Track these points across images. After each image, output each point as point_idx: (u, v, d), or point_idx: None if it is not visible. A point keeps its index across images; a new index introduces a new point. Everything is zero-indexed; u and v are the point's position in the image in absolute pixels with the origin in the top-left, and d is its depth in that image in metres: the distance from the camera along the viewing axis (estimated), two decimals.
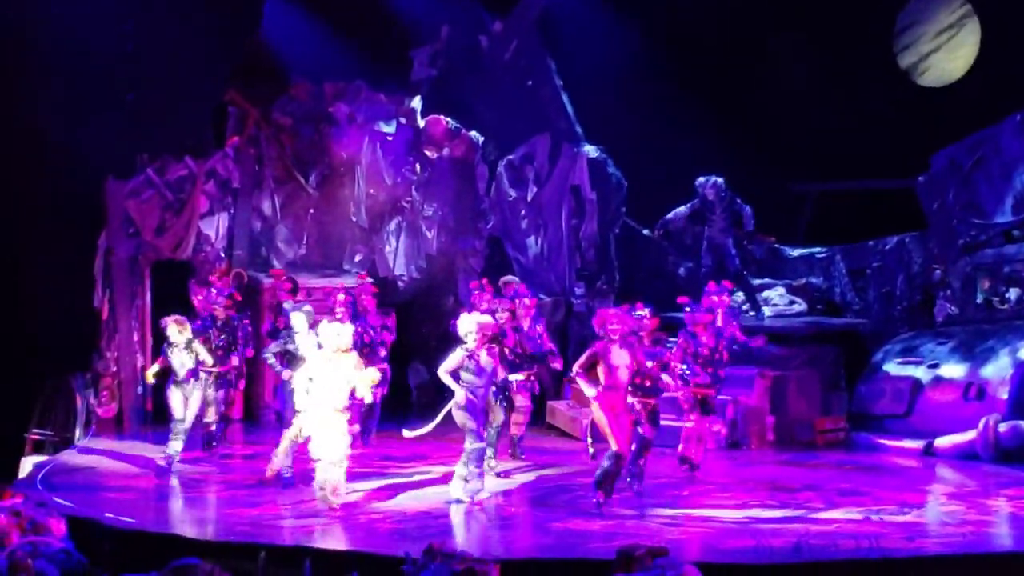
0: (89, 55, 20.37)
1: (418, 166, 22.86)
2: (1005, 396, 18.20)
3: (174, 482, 16.48)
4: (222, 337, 17.97)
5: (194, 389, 16.69)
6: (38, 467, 17.41)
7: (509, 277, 20.49)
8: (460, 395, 14.56)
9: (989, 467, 17.53)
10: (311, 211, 22.90)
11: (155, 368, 16.93)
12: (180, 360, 16.60)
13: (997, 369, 18.50)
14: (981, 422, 17.94)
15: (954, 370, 18.95)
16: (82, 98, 20.27)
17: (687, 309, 17.14)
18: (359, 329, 17.11)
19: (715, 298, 17.67)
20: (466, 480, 14.83)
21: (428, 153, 22.84)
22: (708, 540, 13.44)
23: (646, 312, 15.90)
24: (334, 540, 13.58)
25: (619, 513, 14.65)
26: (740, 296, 21.37)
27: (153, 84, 20.88)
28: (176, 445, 16.60)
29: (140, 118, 20.97)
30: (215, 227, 21.79)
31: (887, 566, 12.55)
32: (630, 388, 14.71)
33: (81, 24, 20.40)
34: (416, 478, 16.41)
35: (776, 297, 21.80)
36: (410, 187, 22.82)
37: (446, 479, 15.39)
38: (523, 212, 22.68)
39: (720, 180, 20.67)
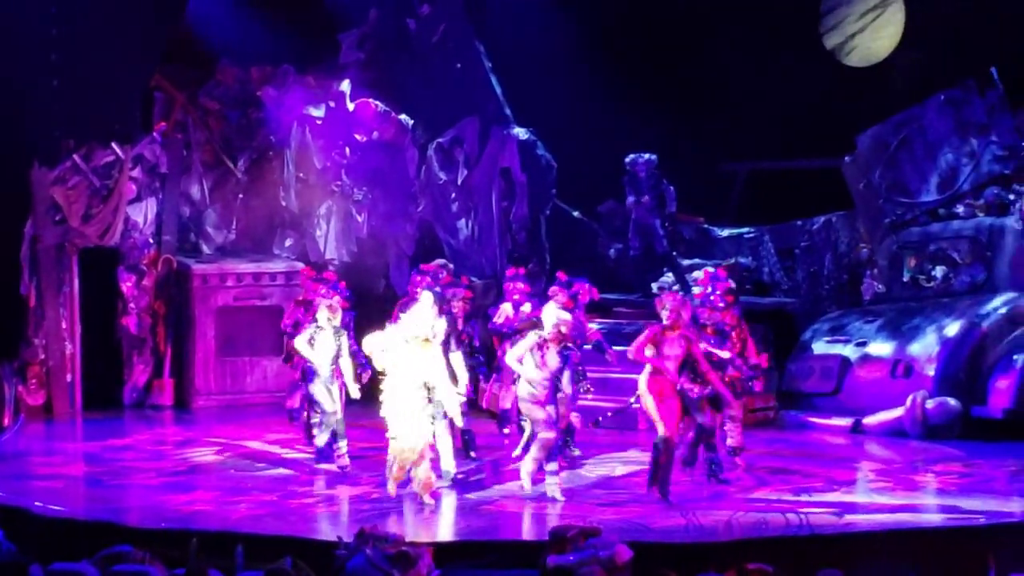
0: (12, 40, 20.17)
1: (347, 150, 22.77)
2: (932, 373, 18.40)
3: (104, 469, 16.40)
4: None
5: (334, 381, 15.96)
6: None
7: (441, 261, 20.49)
8: (520, 385, 14.37)
9: (917, 443, 17.72)
10: (240, 196, 22.76)
11: (304, 340, 15.95)
12: (324, 344, 15.91)
13: (924, 346, 18.69)
14: (909, 399, 18.12)
15: (882, 348, 19.12)
16: (6, 84, 20.07)
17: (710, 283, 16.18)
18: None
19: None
20: (548, 472, 14.42)
21: (357, 137, 22.75)
22: (640, 519, 13.51)
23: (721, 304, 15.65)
24: (266, 525, 13.56)
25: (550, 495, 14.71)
26: (670, 277, 21.45)
27: (78, 69, 20.69)
28: (324, 437, 15.98)
29: (66, 104, 20.78)
30: (143, 213, 21.62)
31: (817, 543, 12.67)
32: (687, 374, 14.46)
33: (4, 8, 20.19)
34: (345, 461, 16.36)
35: None
36: (340, 171, 22.73)
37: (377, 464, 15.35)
38: (453, 195, 22.64)
39: (653, 157, 20.71)
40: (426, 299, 14.95)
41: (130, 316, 21.31)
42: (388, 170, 22.79)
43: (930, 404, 18.02)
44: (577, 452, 16.65)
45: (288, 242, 22.78)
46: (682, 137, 21.40)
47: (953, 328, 18.61)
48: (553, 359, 14.28)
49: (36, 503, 14.09)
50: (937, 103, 20.14)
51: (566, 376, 14.68)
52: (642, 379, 14.20)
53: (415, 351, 14.24)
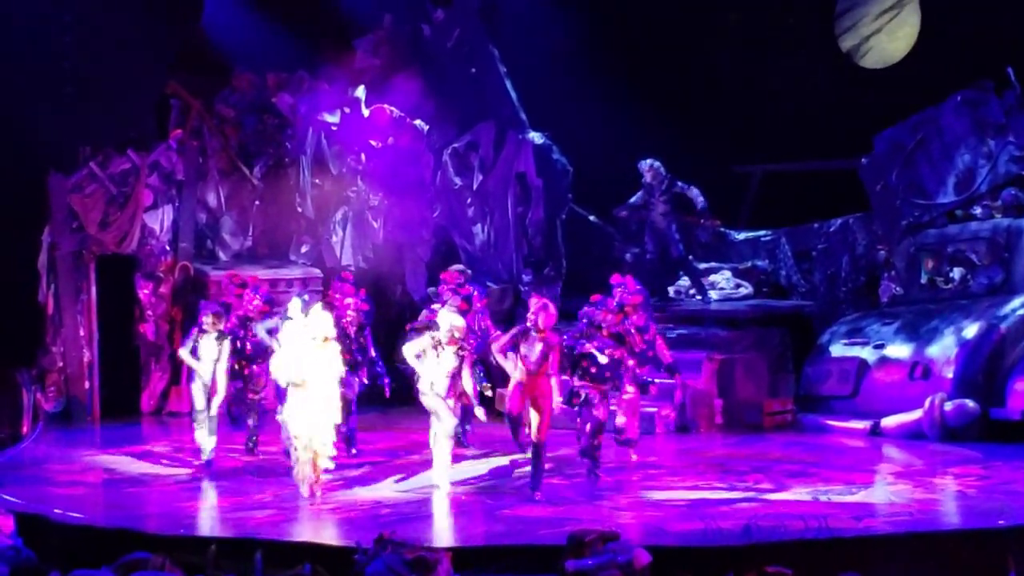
0: (28, 48, 20.23)
1: (363, 155, 22.80)
2: (950, 375, 18.33)
3: (123, 476, 16.42)
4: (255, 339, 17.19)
5: (220, 381, 16.22)
6: None
7: (459, 267, 20.48)
8: (422, 381, 15.00)
9: (935, 446, 17.67)
10: (256, 202, 22.82)
11: (186, 350, 16.35)
12: (207, 348, 16.22)
13: (942, 348, 18.63)
14: (927, 401, 18.07)
15: (900, 350, 19.07)
16: (22, 92, 20.13)
17: (617, 288, 16.69)
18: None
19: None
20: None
21: (373, 143, 22.78)
22: (658, 524, 13.49)
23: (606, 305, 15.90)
24: (285, 532, 13.56)
25: (569, 498, 14.70)
26: (686, 281, 21.45)
27: (94, 76, 20.76)
28: (201, 436, 16.19)
29: (82, 111, 20.85)
30: (160, 220, 21.68)
31: (835, 546, 12.63)
32: (578, 373, 15.08)
33: (19, 16, 20.25)
34: (365, 468, 16.39)
35: (722, 281, 21.88)
36: (355, 177, 22.77)
37: (394, 467, 15.36)
38: (469, 200, 22.67)
39: (657, 163, 20.71)
40: (293, 304, 15.84)
41: (147, 323, 21.37)
42: (404, 176, 22.81)
43: (948, 406, 17.97)
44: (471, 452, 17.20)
45: (304, 248, 22.81)
46: (698, 139, 21.38)
47: (971, 330, 18.55)
48: (449, 359, 14.99)
49: (55, 510, 14.10)
50: (954, 104, 20.09)
51: (466, 373, 15.10)
52: (512, 381, 14.78)
53: (315, 352, 14.73)
